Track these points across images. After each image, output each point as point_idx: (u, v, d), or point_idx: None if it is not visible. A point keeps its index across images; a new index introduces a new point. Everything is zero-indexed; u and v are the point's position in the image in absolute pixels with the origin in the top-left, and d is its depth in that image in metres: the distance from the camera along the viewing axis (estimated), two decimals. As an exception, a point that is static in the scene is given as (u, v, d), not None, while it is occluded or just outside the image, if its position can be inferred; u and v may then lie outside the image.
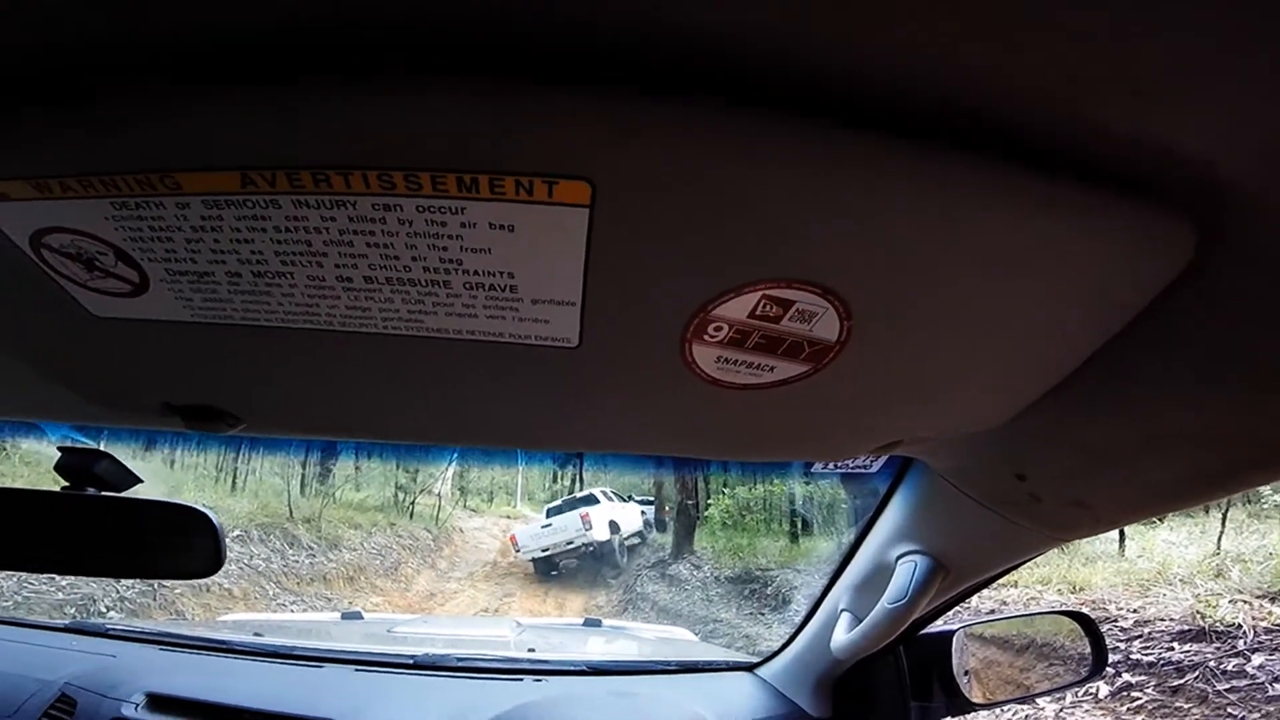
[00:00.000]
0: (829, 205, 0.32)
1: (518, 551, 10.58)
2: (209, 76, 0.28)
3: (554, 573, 10.42)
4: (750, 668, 1.52)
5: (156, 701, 1.20)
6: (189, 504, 0.91)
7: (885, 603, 0.98)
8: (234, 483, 9.97)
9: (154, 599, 5.61)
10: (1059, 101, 0.29)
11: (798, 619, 1.39)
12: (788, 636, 1.42)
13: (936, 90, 0.29)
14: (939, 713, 1.26)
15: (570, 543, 10.19)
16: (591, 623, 2.45)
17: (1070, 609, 1.41)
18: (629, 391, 0.49)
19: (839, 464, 0.82)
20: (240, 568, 6.92)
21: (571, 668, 1.51)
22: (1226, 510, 5.78)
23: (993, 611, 5.05)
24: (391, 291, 0.37)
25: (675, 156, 0.30)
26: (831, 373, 0.44)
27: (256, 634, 1.61)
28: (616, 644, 2.24)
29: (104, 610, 5.19)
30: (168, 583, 5.77)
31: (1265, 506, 5.84)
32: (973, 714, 1.30)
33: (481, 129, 0.28)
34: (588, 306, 0.38)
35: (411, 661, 1.44)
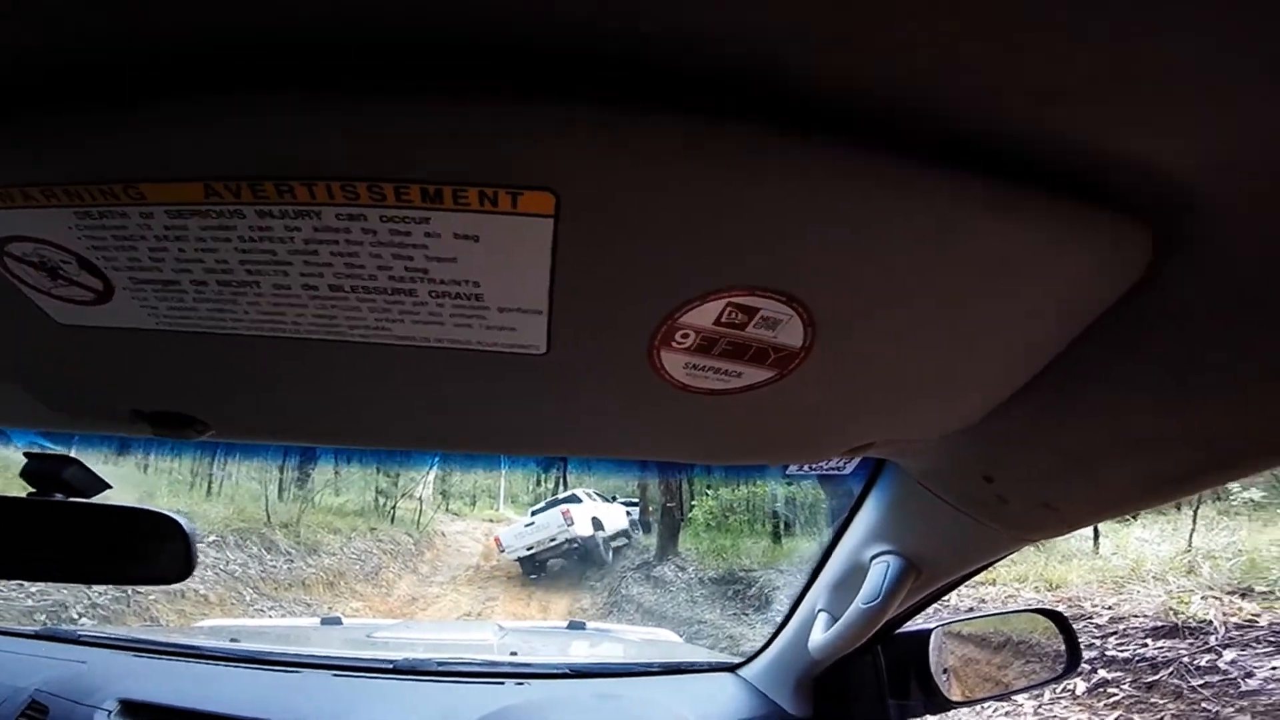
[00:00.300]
0: (790, 215, 0.32)
1: (502, 552, 10.52)
2: (170, 88, 0.28)
3: (539, 574, 10.37)
4: (732, 668, 1.53)
5: (130, 708, 1.18)
6: (159, 509, 0.89)
7: (859, 603, 0.99)
8: (209, 487, 9.81)
9: (127, 605, 5.49)
10: (1023, 110, 0.30)
11: (779, 619, 1.40)
12: (769, 636, 1.43)
13: (900, 98, 0.29)
14: (917, 710, 1.27)
15: (553, 539, 10.16)
16: (575, 625, 2.44)
17: (1044, 607, 1.43)
18: (600, 397, 0.49)
19: (813, 466, 0.82)
20: (216, 573, 6.78)
21: (554, 670, 1.51)
22: (1197, 507, 5.89)
23: (971, 609, 5.11)
24: (358, 300, 0.37)
25: (638, 168, 0.30)
26: (798, 378, 0.45)
27: (233, 640, 1.58)
28: (600, 646, 2.23)
29: (75, 617, 5.08)
30: (141, 589, 5.66)
31: (1235, 503, 5.96)
32: (950, 712, 1.32)
33: (443, 141, 0.28)
34: (555, 315, 0.38)
35: (392, 666, 1.43)
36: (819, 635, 1.14)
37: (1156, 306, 0.42)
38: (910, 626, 1.26)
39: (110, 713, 1.16)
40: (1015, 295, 0.39)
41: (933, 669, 1.25)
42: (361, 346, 0.41)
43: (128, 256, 0.35)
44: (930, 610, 1.23)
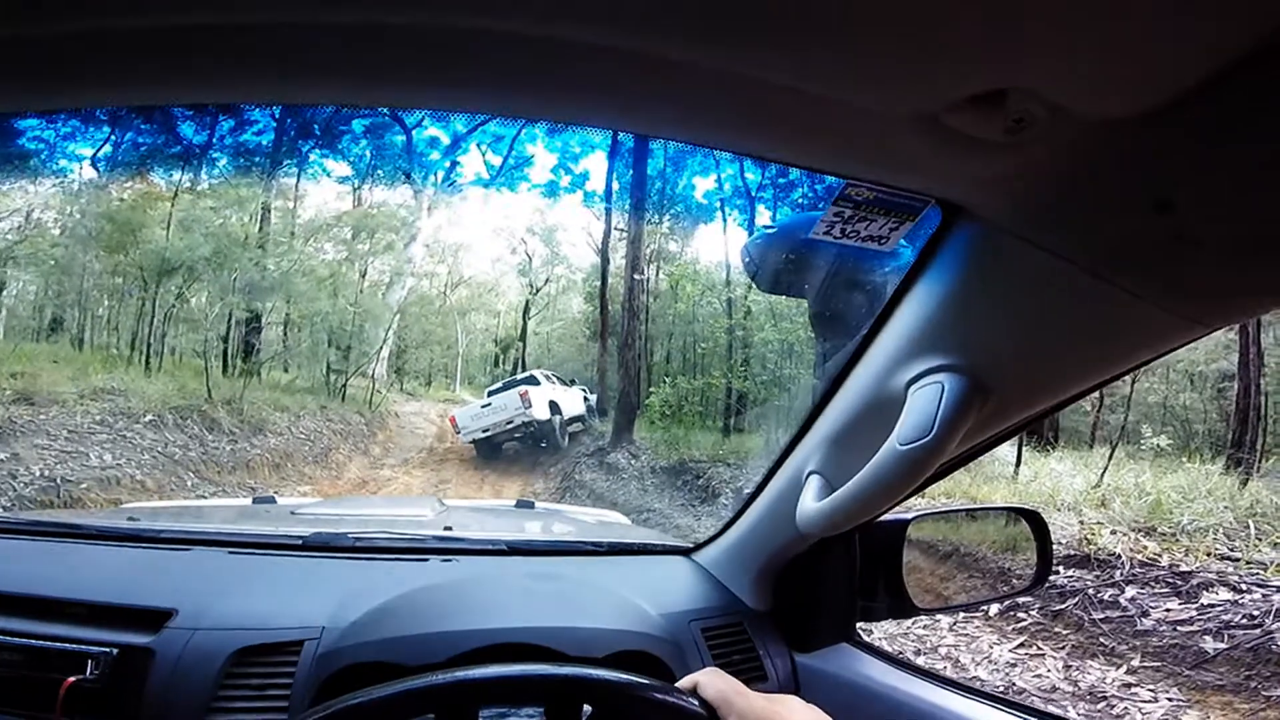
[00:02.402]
0: None
1: (458, 433, 10.59)
2: None
3: (493, 458, 10.54)
4: (686, 552, 1.40)
5: None
6: None
7: (896, 442, 0.69)
8: (148, 363, 9.43)
9: (57, 495, 5.34)
10: None
11: (727, 513, 1.27)
12: (729, 518, 1.28)
13: None
14: (880, 613, 1.16)
15: (510, 422, 10.24)
16: (524, 504, 2.30)
17: (1023, 506, 1.27)
18: None
19: (850, 230, 0.62)
20: (154, 456, 6.63)
21: (487, 547, 1.35)
22: (1116, 443, 6.24)
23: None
24: None
25: None
26: None
27: (131, 519, 1.41)
28: (546, 525, 2.06)
29: (4, 509, 4.91)
30: (72, 478, 5.49)
31: (1143, 448, 6.30)
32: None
33: None
34: None
35: (300, 542, 1.27)
36: (810, 504, 0.88)
37: None
38: (887, 516, 1.06)
39: None
40: None
41: (904, 568, 1.10)
42: None
43: None
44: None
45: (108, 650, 0.91)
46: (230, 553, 1.22)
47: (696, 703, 0.64)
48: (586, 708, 0.93)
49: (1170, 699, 3.14)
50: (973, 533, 4.70)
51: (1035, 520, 1.19)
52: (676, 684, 0.67)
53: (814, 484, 0.91)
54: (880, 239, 0.63)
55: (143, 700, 0.90)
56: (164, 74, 0.43)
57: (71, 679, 0.88)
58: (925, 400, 0.68)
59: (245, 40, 0.39)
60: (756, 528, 1.16)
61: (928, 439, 0.65)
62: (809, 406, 0.96)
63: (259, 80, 0.45)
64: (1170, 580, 3.89)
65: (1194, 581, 3.82)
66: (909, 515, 1.12)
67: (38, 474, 5.37)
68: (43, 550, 1.19)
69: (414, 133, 12.79)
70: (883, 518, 1.06)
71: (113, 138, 10.22)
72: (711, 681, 0.67)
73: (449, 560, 1.24)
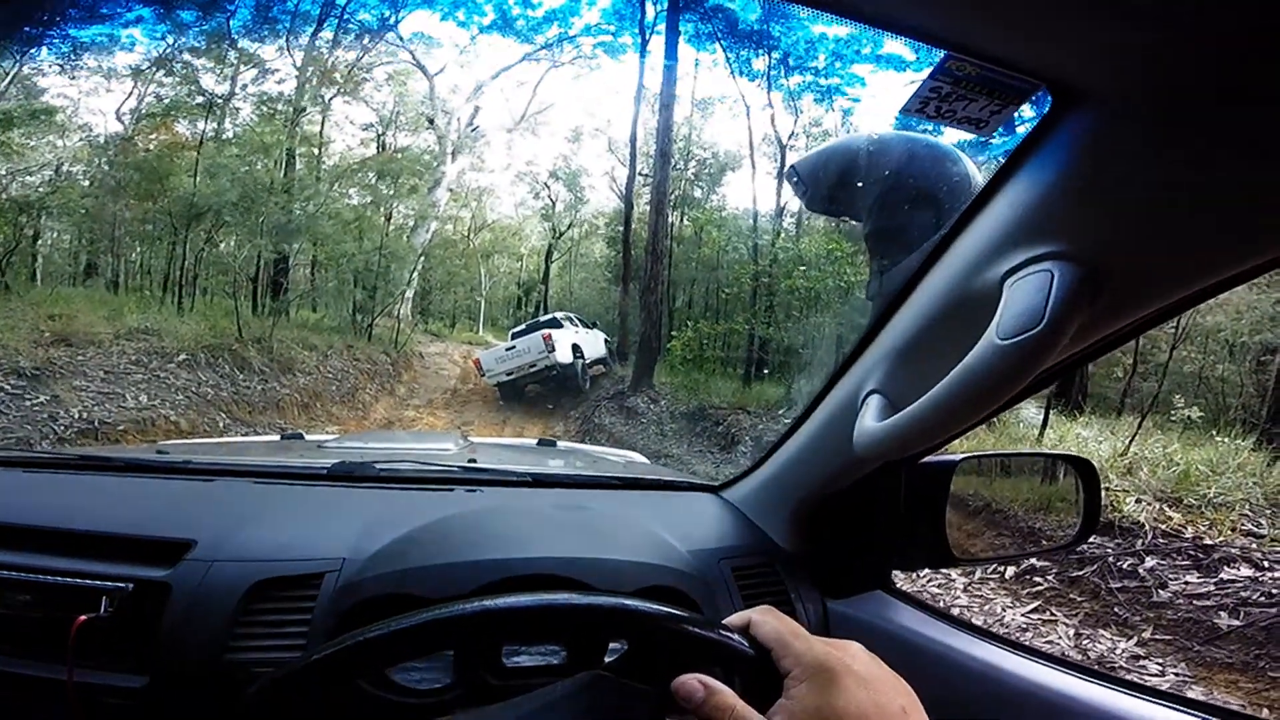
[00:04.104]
0: None
1: (482, 375, 10.73)
2: None
3: (517, 399, 10.69)
4: (714, 489, 1.36)
5: None
6: None
7: (995, 337, 0.60)
8: (180, 304, 9.61)
9: (95, 439, 5.49)
10: None
11: (747, 461, 1.24)
12: (759, 456, 1.23)
13: None
14: (918, 562, 1.13)
15: (533, 365, 10.36)
16: (545, 442, 2.26)
17: (1075, 454, 1.18)
18: None
19: (946, 109, 0.57)
20: (188, 397, 6.77)
21: (512, 478, 1.34)
22: (1146, 411, 6.06)
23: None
24: None
25: None
26: None
27: (160, 452, 1.40)
28: (569, 461, 2.01)
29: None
30: (109, 419, 5.66)
31: (1173, 419, 6.11)
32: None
33: None
34: None
35: (325, 472, 1.25)
36: (871, 423, 0.81)
37: None
38: (936, 457, 1.03)
39: None
40: None
41: (947, 515, 1.05)
42: None
43: None
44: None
45: (123, 585, 0.88)
46: (255, 483, 1.20)
47: (747, 644, 0.57)
48: (612, 645, 0.87)
49: (1177, 674, 3.14)
50: (1006, 488, 4.64)
51: (1086, 470, 1.10)
52: (724, 620, 0.60)
53: (874, 404, 0.84)
54: (979, 122, 0.57)
55: (158, 638, 0.86)
56: None
57: (84, 617, 0.84)
58: (1031, 289, 0.59)
59: None
60: (797, 460, 1.10)
61: (1038, 329, 0.56)
62: (864, 327, 0.89)
63: None
64: (1192, 553, 3.84)
65: (1216, 555, 3.76)
66: (957, 457, 1.06)
67: (76, 416, 5.48)
68: (68, 483, 1.18)
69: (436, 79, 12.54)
70: (929, 458, 1.00)
71: (136, 90, 10.33)
72: (766, 620, 0.58)
73: (474, 490, 1.21)
